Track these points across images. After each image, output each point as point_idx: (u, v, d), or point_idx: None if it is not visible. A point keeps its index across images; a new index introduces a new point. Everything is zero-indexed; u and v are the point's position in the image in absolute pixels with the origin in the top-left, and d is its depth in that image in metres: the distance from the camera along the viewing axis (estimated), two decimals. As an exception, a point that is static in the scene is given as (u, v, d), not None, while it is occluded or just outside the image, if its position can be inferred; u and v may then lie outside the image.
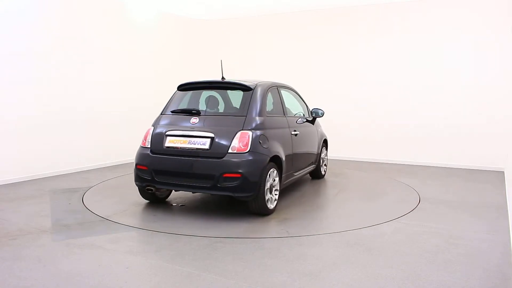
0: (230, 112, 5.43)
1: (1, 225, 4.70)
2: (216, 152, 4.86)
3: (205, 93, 5.69)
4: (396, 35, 8.77)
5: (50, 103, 7.29)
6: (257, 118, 5.07)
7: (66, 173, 7.60)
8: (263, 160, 4.87)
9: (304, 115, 6.65)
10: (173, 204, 5.64)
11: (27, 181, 6.93)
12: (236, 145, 4.81)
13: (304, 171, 6.46)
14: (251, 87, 5.29)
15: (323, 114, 6.79)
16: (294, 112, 6.42)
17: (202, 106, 5.54)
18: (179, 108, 5.48)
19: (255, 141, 4.88)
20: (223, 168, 4.76)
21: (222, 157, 4.82)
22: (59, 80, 7.44)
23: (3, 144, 6.68)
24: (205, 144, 4.94)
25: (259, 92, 5.29)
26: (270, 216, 5.08)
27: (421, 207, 5.53)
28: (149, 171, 5.15)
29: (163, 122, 5.42)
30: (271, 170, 5.07)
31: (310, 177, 7.44)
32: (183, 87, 5.73)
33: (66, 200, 5.77)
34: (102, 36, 8.23)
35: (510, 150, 6.73)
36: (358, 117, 9.17)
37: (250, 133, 4.89)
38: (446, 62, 8.31)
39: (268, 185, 4.99)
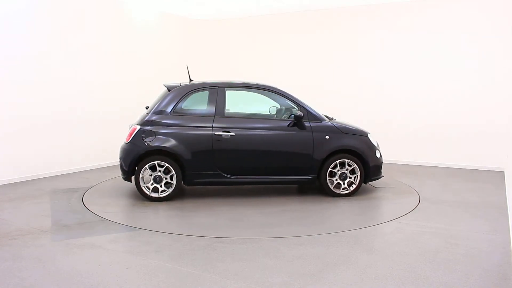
0: (147, 110, 6.08)
1: (1, 225, 4.70)
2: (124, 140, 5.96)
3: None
4: (395, 35, 8.77)
5: (50, 103, 7.28)
6: (153, 115, 5.77)
7: (66, 173, 7.60)
8: (136, 151, 5.63)
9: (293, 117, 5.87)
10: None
11: (27, 181, 6.93)
12: (127, 136, 5.79)
13: (270, 179, 5.96)
14: (170, 88, 5.92)
15: (294, 117, 5.79)
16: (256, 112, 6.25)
17: None
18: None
19: (138, 134, 5.68)
20: (119, 153, 5.89)
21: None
22: (59, 80, 7.42)
23: (3, 144, 6.67)
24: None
25: (172, 93, 5.86)
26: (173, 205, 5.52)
27: (421, 207, 5.53)
28: None
29: None
30: (157, 162, 5.60)
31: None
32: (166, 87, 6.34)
33: (66, 200, 5.78)
34: (102, 36, 8.22)
35: (510, 150, 6.72)
36: (357, 117, 9.14)
37: (137, 127, 5.73)
38: (446, 62, 8.30)
39: (147, 175, 5.63)
